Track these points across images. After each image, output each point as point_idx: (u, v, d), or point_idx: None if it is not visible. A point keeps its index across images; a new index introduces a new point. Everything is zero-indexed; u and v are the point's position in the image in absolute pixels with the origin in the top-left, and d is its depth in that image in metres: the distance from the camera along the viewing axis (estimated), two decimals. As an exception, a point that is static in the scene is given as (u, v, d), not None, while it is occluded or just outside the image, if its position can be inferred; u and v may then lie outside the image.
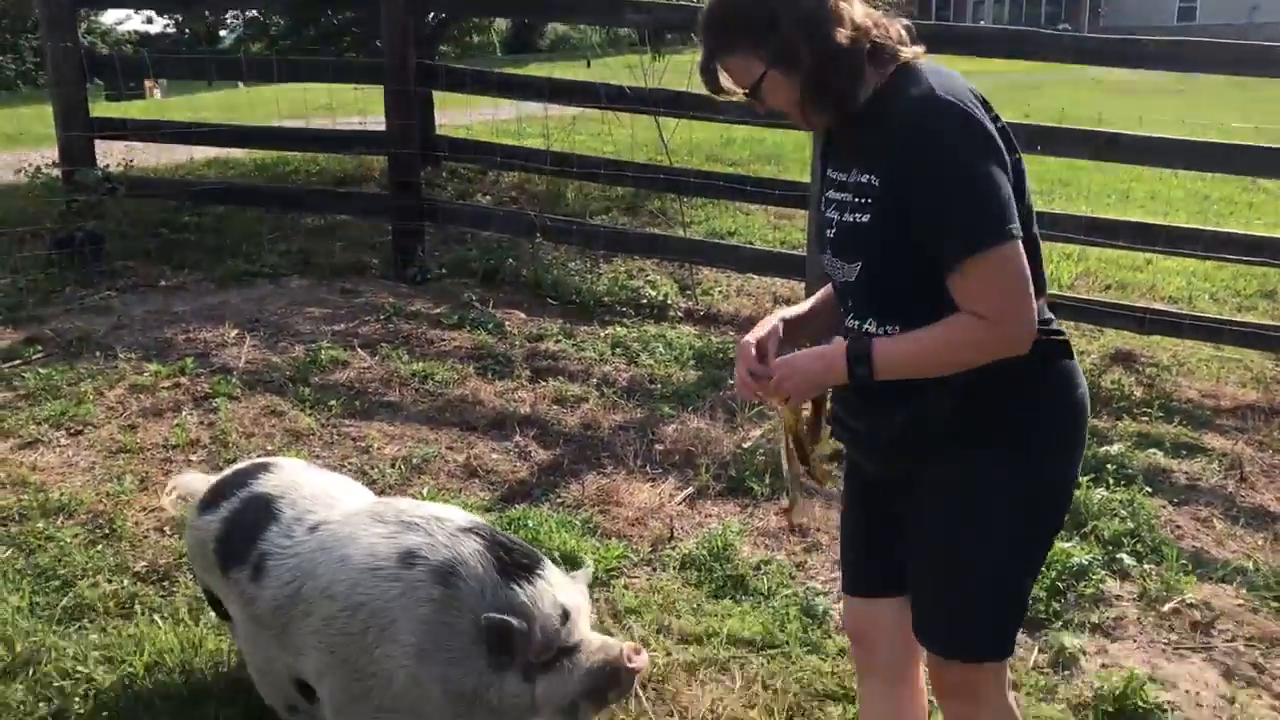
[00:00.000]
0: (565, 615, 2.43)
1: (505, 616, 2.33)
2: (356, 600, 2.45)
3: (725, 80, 2.07)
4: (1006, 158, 1.93)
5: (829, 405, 2.24)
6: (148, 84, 22.01)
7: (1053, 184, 10.62)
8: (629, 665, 2.44)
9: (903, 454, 2.11)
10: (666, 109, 6.94)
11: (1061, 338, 2.08)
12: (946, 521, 2.09)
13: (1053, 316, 2.10)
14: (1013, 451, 2.04)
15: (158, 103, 20.49)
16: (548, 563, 2.52)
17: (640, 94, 6.91)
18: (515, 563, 2.44)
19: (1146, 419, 5.27)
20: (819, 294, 2.36)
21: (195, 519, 2.88)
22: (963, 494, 2.06)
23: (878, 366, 1.98)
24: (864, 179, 2.00)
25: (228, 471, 3.02)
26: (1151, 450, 4.93)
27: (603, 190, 9.56)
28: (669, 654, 3.34)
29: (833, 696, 3.16)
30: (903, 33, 2.03)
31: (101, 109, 9.86)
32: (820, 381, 2.09)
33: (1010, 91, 15.67)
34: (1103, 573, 3.87)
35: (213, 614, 3.12)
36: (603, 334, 6.29)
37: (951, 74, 2.00)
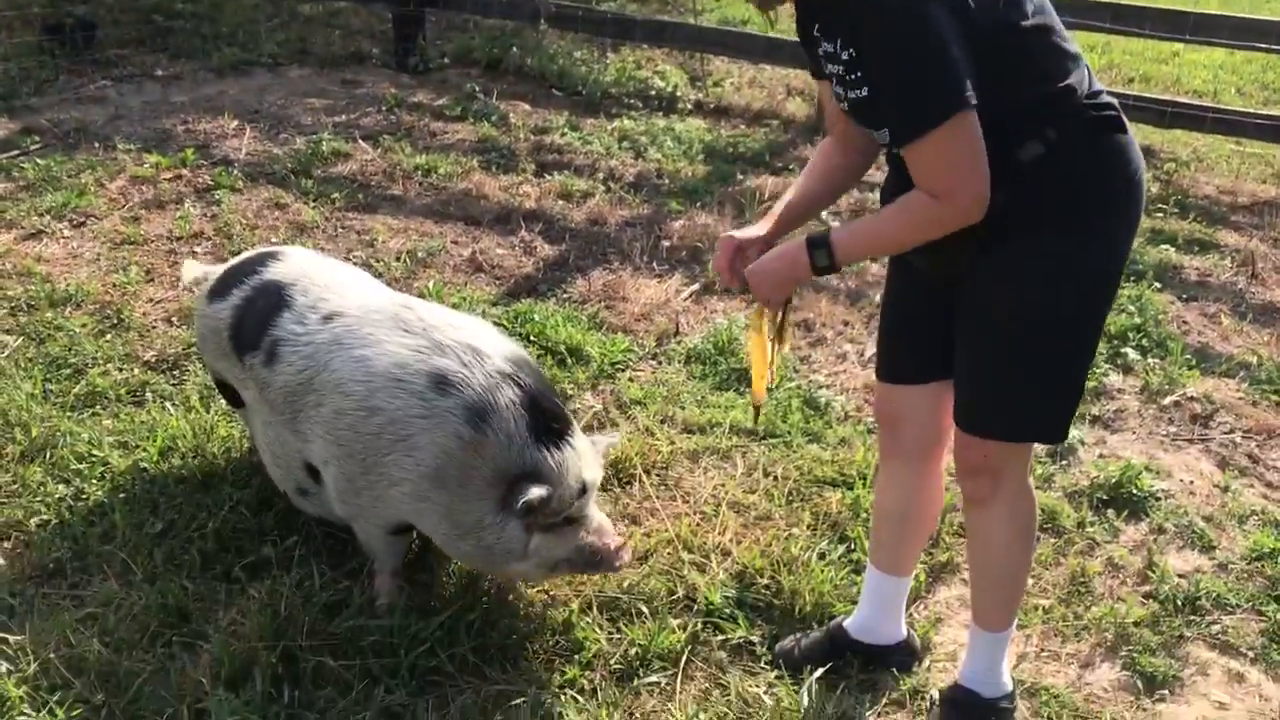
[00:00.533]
0: (583, 489, 2.45)
1: (541, 490, 2.34)
2: (375, 404, 2.45)
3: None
4: (972, 6, 1.84)
5: (794, 307, 2.22)
6: None
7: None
8: (613, 563, 2.50)
9: (961, 251, 2.04)
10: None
11: (1113, 112, 2.01)
12: (1009, 307, 2.05)
13: (1102, 89, 2.03)
14: (1071, 234, 2.00)
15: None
16: (577, 428, 2.52)
17: None
18: (547, 424, 2.43)
19: (1161, 215, 5.20)
20: (801, 177, 2.34)
21: (205, 307, 2.88)
22: (1023, 279, 2.02)
23: (838, 255, 2.04)
24: (842, 52, 1.96)
25: (236, 260, 3.01)
26: (1164, 246, 4.88)
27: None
28: (672, 443, 3.40)
29: (832, 483, 3.23)
30: None
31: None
32: (788, 277, 2.15)
33: None
34: (1106, 366, 3.89)
35: (224, 402, 3.15)
36: (609, 127, 6.15)
37: None
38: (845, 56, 1.95)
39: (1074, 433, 3.50)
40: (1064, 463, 3.42)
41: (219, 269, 3.01)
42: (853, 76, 1.97)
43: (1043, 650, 2.72)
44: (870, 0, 1.86)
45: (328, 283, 2.75)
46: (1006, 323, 2.07)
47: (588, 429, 3.45)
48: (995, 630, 2.38)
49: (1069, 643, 2.73)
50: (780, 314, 2.32)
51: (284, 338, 2.64)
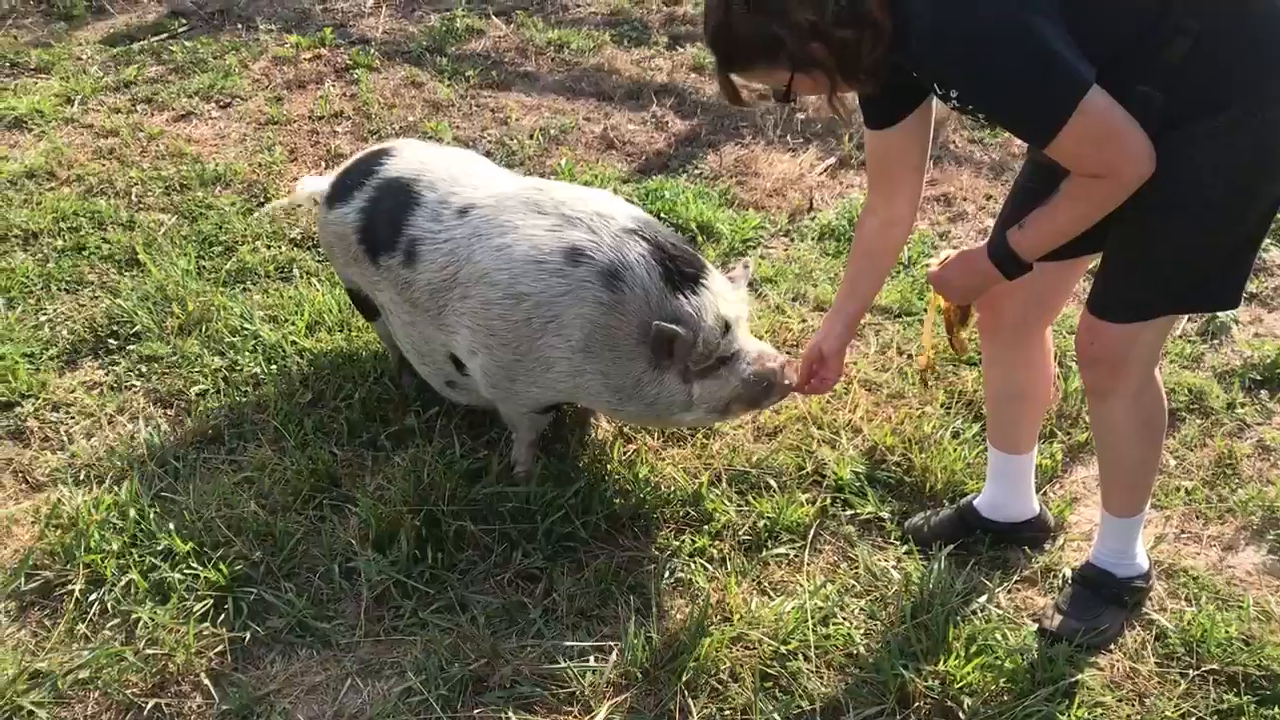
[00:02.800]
0: (726, 327, 2.45)
1: (673, 326, 2.35)
2: (519, 290, 2.48)
3: (744, 85, 2.02)
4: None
5: None
6: None
7: None
8: (782, 382, 2.48)
9: None
10: None
11: None
12: (1170, 195, 1.92)
13: None
14: (1233, 110, 1.87)
15: None
16: (711, 270, 2.51)
17: None
18: (680, 270, 2.43)
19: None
20: (852, 260, 2.36)
21: (328, 213, 2.87)
22: (1191, 160, 1.90)
23: (1025, 259, 2.05)
24: (946, 94, 1.91)
25: (350, 162, 3.00)
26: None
27: None
28: (804, 320, 3.38)
29: (968, 361, 3.17)
30: None
31: None
32: (981, 289, 2.20)
33: None
34: (1268, 240, 3.68)
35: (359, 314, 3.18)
36: (744, -4, 5.97)
37: None
38: (953, 96, 1.90)
39: (1228, 311, 3.34)
40: (1215, 341, 3.28)
41: (320, 182, 3.02)
42: (968, 109, 1.94)
43: (1183, 532, 2.65)
44: (939, 48, 1.83)
45: (453, 175, 2.73)
46: (1170, 203, 1.95)
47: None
48: (1126, 516, 2.33)
49: (1211, 525, 2.66)
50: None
51: (421, 236, 2.64)
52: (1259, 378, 3.11)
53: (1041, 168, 2.12)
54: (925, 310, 2.32)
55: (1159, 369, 2.26)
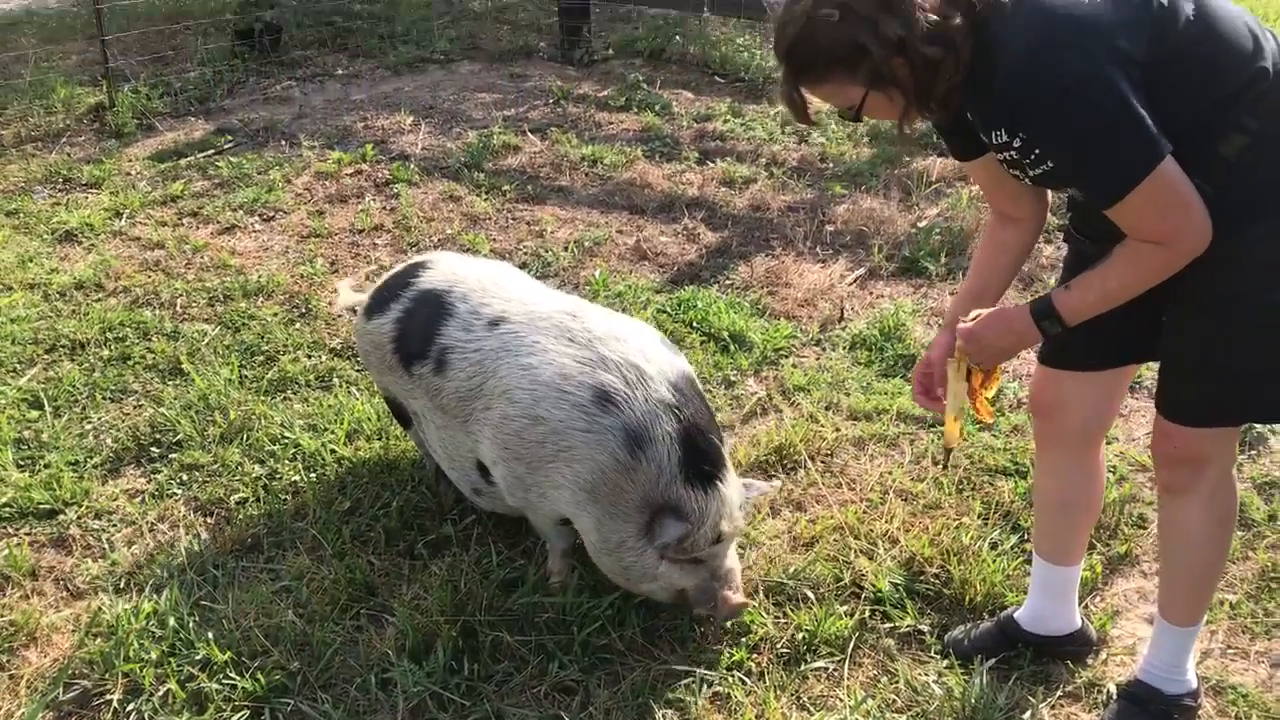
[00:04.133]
0: (718, 539, 2.48)
1: (677, 527, 2.40)
2: (539, 414, 2.51)
3: (815, 104, 2.01)
4: (1134, 53, 1.81)
5: None
6: None
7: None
8: (725, 613, 2.51)
9: None
10: None
11: None
12: (1230, 291, 1.97)
13: None
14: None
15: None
16: (729, 471, 2.53)
17: None
18: (699, 464, 2.46)
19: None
20: (976, 263, 2.33)
21: (366, 324, 2.96)
22: (1241, 264, 1.95)
23: (1067, 321, 2.03)
24: (1007, 139, 1.93)
25: (388, 274, 3.09)
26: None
27: (773, -40, 9.15)
28: (838, 430, 3.39)
29: (1004, 471, 3.17)
30: None
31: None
32: (1013, 351, 2.18)
33: None
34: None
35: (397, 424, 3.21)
36: (772, 112, 6.13)
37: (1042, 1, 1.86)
38: (1017, 143, 1.93)
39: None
40: (1253, 452, 3.27)
41: (358, 293, 3.11)
42: (1031, 157, 1.94)
43: (1229, 647, 2.61)
44: (1028, 95, 1.85)
45: (485, 286, 2.80)
46: (1226, 307, 2.00)
47: (751, 415, 3.48)
48: (1184, 625, 2.30)
49: (1259, 640, 2.62)
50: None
51: (452, 345, 2.71)
52: (1299, 489, 3.09)
53: (1079, 252, 2.16)
54: (947, 378, 2.27)
55: (1235, 467, 2.24)
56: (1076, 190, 2.02)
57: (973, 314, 2.20)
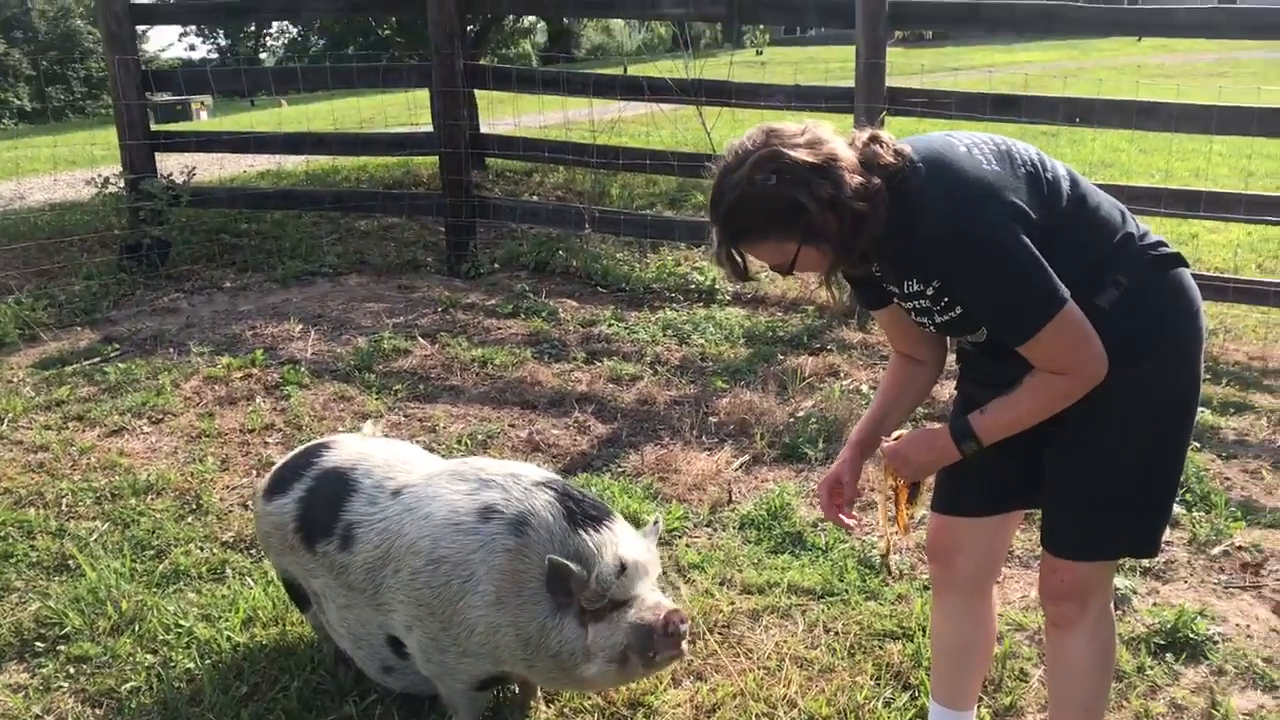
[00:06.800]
0: (623, 568, 2.54)
1: (564, 560, 2.47)
2: (440, 554, 2.60)
3: (754, 263, 2.21)
4: (1033, 215, 2.08)
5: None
6: (195, 106, 22.62)
7: (1094, 165, 10.65)
8: (663, 632, 2.48)
9: None
10: (710, 98, 7.09)
11: (1168, 250, 2.23)
12: (1104, 433, 2.21)
13: (1148, 230, 2.25)
14: (1152, 359, 2.18)
15: (205, 123, 20.94)
16: (618, 517, 2.66)
17: (683, 85, 7.07)
18: (584, 513, 2.59)
19: (1193, 380, 5.33)
20: (880, 393, 2.54)
21: (266, 505, 2.99)
22: (1114, 407, 2.18)
23: (984, 441, 2.23)
24: (921, 288, 2.18)
25: (287, 457, 3.14)
26: (1200, 410, 5.00)
27: (647, 185, 9.76)
28: (733, 603, 3.49)
29: (893, 635, 3.30)
30: (889, 145, 2.15)
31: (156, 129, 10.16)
32: (934, 467, 2.37)
33: (1045, 80, 15.62)
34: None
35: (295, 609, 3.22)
36: (653, 318, 6.45)
37: (950, 164, 2.12)
38: (930, 291, 2.16)
39: (1125, 583, 3.57)
40: (1119, 612, 3.47)
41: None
42: (940, 304, 2.18)
43: (1114, 788, 2.72)
44: (952, 241, 2.08)
45: (390, 461, 2.89)
46: (1102, 447, 2.23)
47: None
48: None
49: (1140, 780, 2.74)
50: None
51: (358, 520, 2.76)
52: (1162, 642, 3.28)
53: (973, 379, 2.38)
54: (875, 493, 2.46)
55: (1111, 602, 2.43)
56: (990, 330, 2.19)
57: (895, 434, 2.42)
